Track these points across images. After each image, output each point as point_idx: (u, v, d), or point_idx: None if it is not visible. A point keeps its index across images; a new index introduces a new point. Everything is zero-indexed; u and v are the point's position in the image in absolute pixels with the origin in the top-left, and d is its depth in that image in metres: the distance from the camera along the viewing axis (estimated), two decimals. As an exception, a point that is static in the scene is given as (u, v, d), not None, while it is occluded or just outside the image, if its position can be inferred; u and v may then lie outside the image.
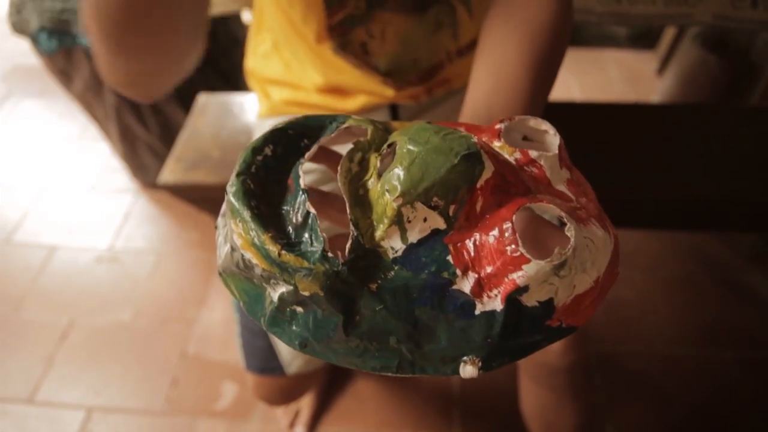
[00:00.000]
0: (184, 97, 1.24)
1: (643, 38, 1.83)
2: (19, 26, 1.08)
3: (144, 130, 1.27)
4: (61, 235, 1.36)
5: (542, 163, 0.26)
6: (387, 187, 0.23)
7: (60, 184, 1.50)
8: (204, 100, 1.00)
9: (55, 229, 1.38)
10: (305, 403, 1.03)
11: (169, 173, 0.86)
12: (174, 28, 0.34)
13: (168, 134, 1.27)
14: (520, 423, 0.85)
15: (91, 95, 1.21)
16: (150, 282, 1.26)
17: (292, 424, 1.02)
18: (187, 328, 1.17)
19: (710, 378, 1.06)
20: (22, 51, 1.84)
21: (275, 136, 0.26)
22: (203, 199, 0.91)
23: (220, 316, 1.19)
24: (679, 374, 1.07)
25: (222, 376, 1.10)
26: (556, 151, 0.26)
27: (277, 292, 0.23)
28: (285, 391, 0.76)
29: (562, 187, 0.26)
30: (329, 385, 1.07)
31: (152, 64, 0.35)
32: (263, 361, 0.71)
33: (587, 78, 1.78)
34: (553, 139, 0.27)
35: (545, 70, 0.37)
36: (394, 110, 0.64)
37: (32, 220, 1.41)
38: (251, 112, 0.97)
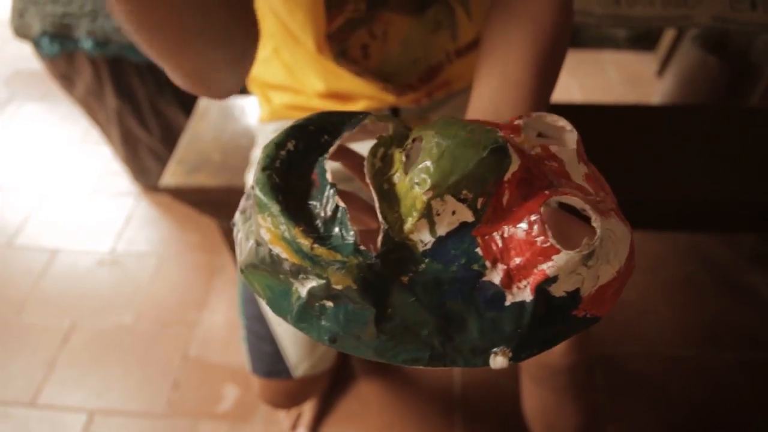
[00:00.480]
0: (185, 101, 1.24)
1: (642, 40, 1.84)
2: (21, 30, 1.09)
3: (145, 133, 1.27)
4: (63, 239, 1.36)
5: (562, 157, 0.26)
6: (416, 180, 0.23)
7: (62, 187, 1.50)
8: (205, 103, 1.00)
9: (57, 233, 1.38)
10: (307, 406, 1.02)
11: (171, 176, 0.86)
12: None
13: (169, 137, 1.27)
14: (521, 424, 0.85)
15: (92, 99, 1.21)
16: (151, 285, 1.26)
17: (294, 427, 1.02)
18: (189, 330, 1.17)
19: (710, 378, 1.06)
20: (24, 55, 1.85)
21: (296, 131, 0.26)
22: (204, 201, 0.91)
23: (221, 319, 1.19)
24: (679, 374, 1.07)
25: (223, 378, 1.10)
26: (575, 146, 0.27)
27: (305, 287, 0.23)
28: (291, 395, 0.76)
29: (580, 181, 0.26)
30: (331, 387, 1.07)
31: (205, 59, 0.33)
32: (269, 365, 0.71)
33: (587, 80, 1.79)
34: (570, 134, 0.27)
35: (549, 68, 0.38)
36: (395, 113, 0.65)
37: (34, 223, 1.41)
38: (252, 115, 0.97)
